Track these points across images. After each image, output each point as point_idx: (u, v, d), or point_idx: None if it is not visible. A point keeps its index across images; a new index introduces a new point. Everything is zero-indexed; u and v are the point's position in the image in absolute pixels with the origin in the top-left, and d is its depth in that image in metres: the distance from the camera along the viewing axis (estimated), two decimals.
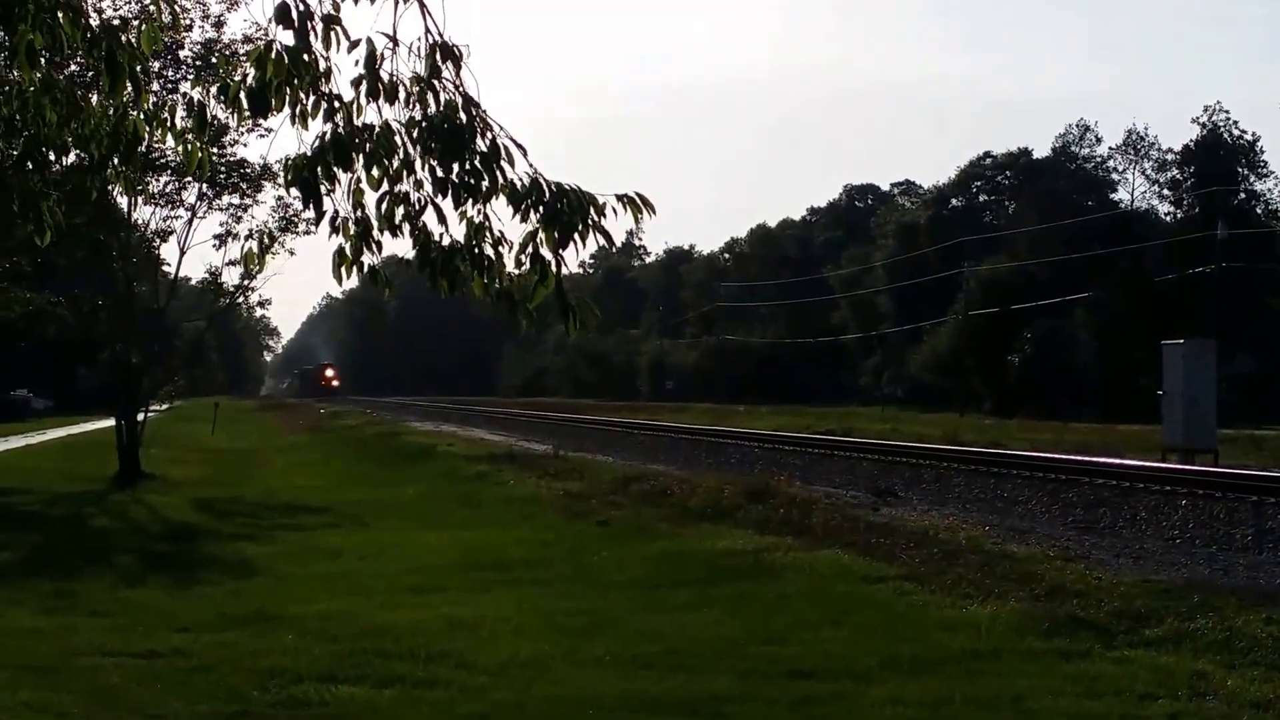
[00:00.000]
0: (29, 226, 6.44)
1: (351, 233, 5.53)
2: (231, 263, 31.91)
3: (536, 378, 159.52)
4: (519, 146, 5.32)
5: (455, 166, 5.31)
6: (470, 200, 5.35)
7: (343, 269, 5.59)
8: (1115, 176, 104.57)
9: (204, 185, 31.00)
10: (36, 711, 9.13)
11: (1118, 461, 26.49)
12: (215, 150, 29.09)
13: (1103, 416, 62.88)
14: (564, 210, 5.25)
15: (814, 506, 19.76)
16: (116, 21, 6.18)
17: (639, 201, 5.31)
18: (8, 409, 66.56)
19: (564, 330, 5.47)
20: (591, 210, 5.26)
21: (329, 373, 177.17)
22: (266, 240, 30.48)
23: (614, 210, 5.29)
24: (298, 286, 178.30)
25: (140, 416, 31.38)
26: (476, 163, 5.30)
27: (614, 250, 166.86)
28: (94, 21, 5.92)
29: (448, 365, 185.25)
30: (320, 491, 27.25)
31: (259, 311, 44.38)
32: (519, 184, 5.30)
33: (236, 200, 32.16)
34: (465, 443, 42.55)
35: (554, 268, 5.31)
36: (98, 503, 24.77)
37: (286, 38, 5.26)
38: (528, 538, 18.54)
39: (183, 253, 32.23)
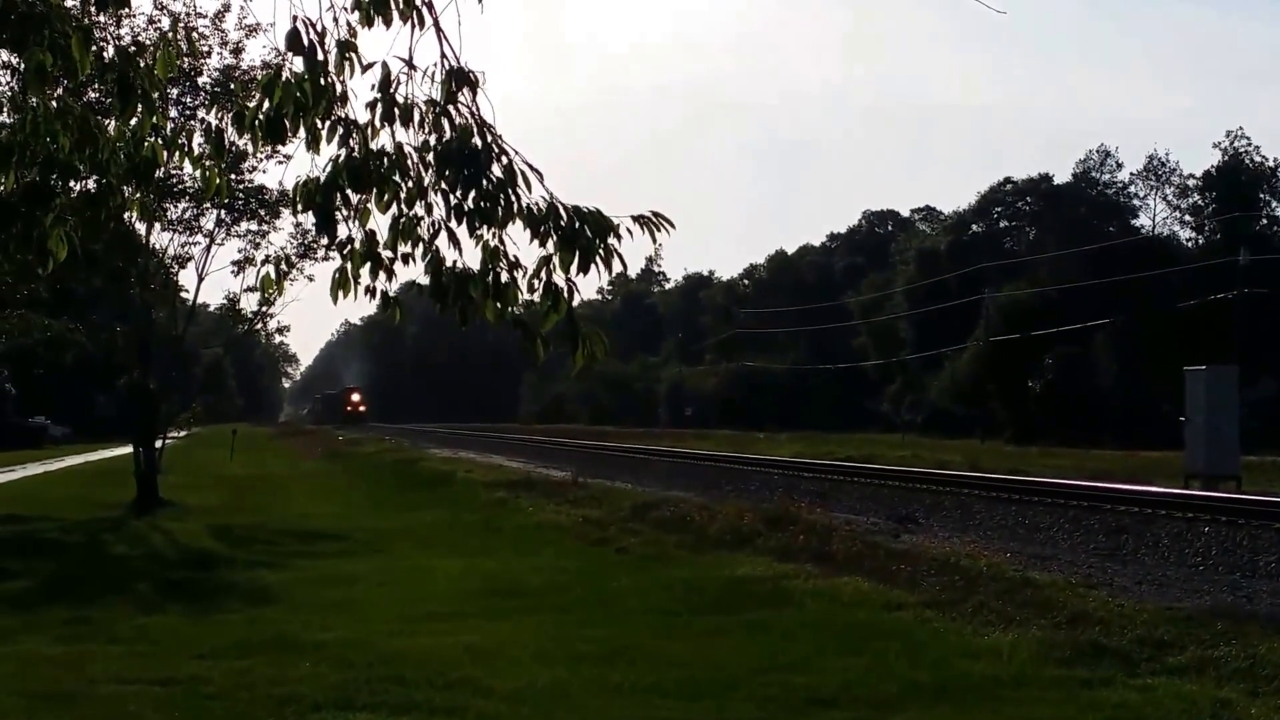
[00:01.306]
0: (29, 255, 6.42)
1: (357, 254, 5.49)
2: (250, 289, 31.99)
3: (556, 404, 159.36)
4: (535, 171, 5.29)
5: (471, 191, 5.28)
6: (485, 225, 5.31)
7: (339, 291, 5.55)
8: (1136, 202, 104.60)
9: (222, 211, 31.10)
10: None
11: (1139, 488, 26.36)
12: (234, 176, 29.16)
13: (1125, 443, 62.61)
14: (582, 233, 5.19)
15: (834, 533, 19.68)
16: (133, 48, 6.19)
17: (655, 220, 5.23)
18: (26, 436, 66.83)
19: (576, 359, 5.39)
20: (610, 234, 5.21)
21: (355, 397, 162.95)
22: (285, 266, 30.67)
23: (629, 232, 5.22)
24: (316, 313, 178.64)
25: (158, 443, 31.41)
26: (491, 188, 5.27)
27: (633, 279, 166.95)
28: (109, 49, 5.93)
29: (467, 392, 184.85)
30: (338, 518, 27.20)
31: (277, 338, 44.49)
32: (536, 208, 5.25)
33: (255, 226, 32.22)
34: (484, 469, 42.53)
35: (566, 294, 5.26)
36: (115, 530, 24.76)
37: (298, 64, 5.26)
38: (546, 565, 18.49)
39: (201, 279, 32.28)
